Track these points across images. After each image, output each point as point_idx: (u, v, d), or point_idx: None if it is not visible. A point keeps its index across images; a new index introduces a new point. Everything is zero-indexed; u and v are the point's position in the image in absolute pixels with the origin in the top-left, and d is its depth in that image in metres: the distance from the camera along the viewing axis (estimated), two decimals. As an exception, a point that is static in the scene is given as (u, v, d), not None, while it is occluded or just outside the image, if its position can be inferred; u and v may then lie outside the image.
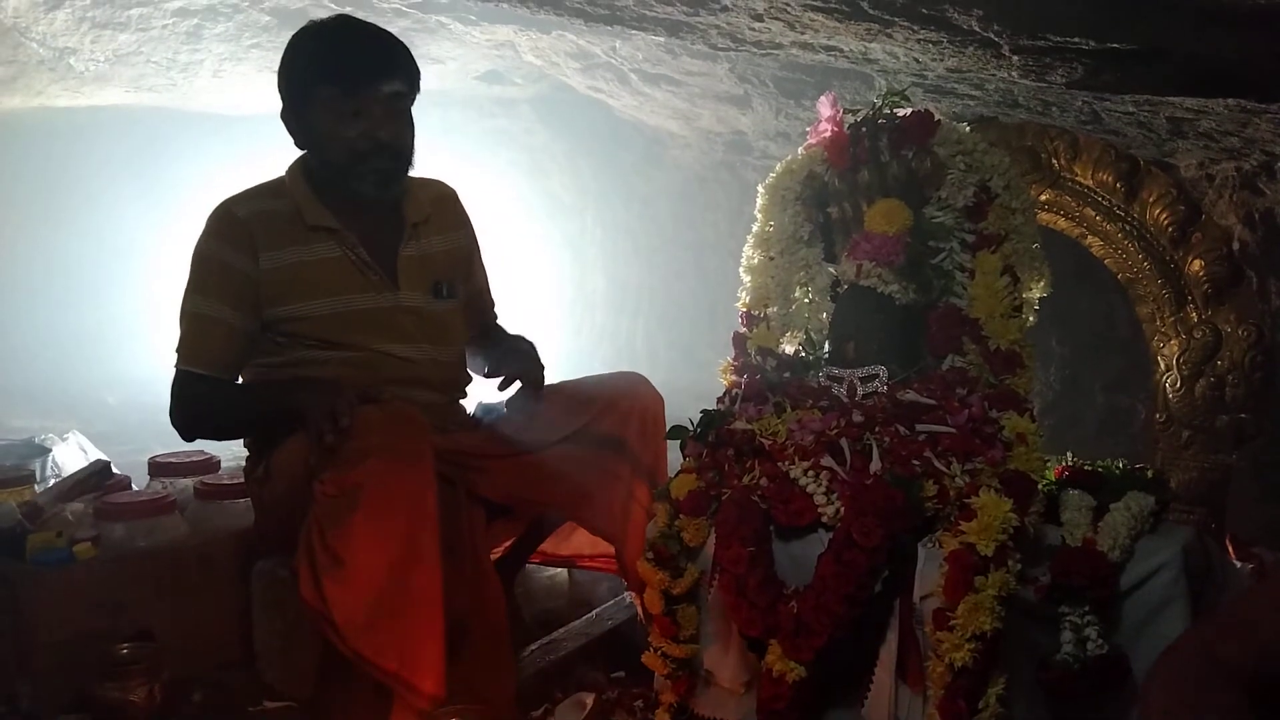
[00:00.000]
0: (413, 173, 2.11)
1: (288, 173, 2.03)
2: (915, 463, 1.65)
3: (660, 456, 2.11)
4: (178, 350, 1.97)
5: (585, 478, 2.03)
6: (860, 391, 1.82)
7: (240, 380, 2.02)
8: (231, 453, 2.33)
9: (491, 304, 2.31)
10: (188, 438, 2.05)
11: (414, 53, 2.03)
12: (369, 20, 2.04)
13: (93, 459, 3.11)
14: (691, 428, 1.88)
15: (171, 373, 1.98)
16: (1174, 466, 2.46)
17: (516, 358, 2.14)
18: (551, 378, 2.23)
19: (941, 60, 2.31)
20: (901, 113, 1.96)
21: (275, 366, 1.99)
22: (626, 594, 2.24)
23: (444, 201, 2.16)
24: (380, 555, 1.69)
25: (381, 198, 1.99)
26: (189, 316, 1.96)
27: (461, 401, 2.18)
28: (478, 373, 2.22)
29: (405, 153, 1.98)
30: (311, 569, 1.71)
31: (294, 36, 1.99)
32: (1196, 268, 2.43)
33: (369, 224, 2.01)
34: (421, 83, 2.01)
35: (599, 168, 5.61)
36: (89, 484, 2.25)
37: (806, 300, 2.03)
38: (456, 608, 1.76)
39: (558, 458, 2.04)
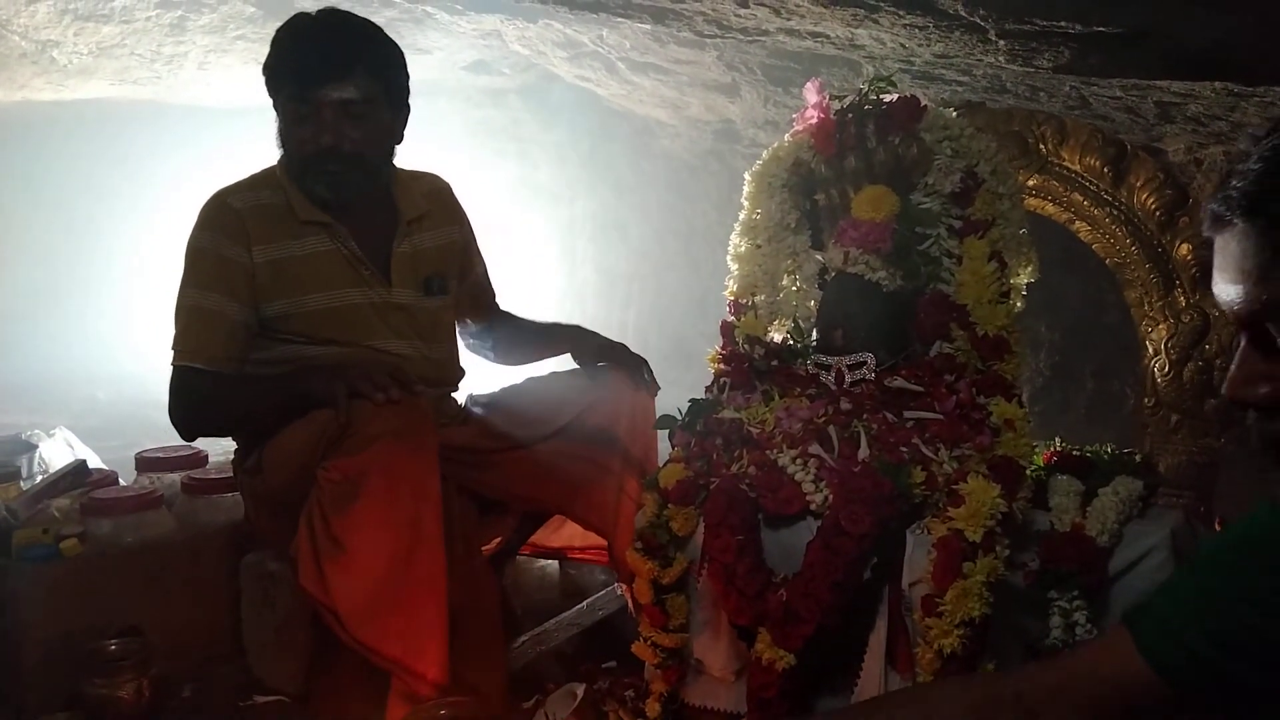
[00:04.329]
0: (404, 165, 2.09)
1: (278, 165, 2.00)
2: (903, 449, 1.65)
3: (650, 448, 2.11)
4: (175, 346, 1.93)
5: (576, 472, 2.04)
6: (848, 379, 1.82)
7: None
8: (221, 447, 2.32)
9: (493, 293, 2.31)
10: (188, 436, 2.02)
11: (400, 43, 1.99)
12: (354, 14, 1.98)
13: (79, 455, 3.10)
14: (680, 417, 1.87)
15: (169, 370, 1.93)
16: (1162, 451, 2.47)
17: (620, 354, 2.16)
18: (544, 369, 2.24)
19: (928, 46, 2.30)
20: (888, 99, 1.95)
21: (265, 362, 1.97)
22: (617, 585, 2.24)
23: (438, 196, 2.14)
24: (384, 542, 1.70)
25: (336, 200, 1.94)
26: (186, 310, 1.93)
27: (454, 395, 2.17)
28: (537, 358, 2.27)
29: (360, 157, 1.92)
30: (313, 556, 1.71)
31: (276, 30, 1.96)
32: (1184, 252, 2.43)
33: (362, 218, 1.99)
34: (402, 78, 1.96)
35: (587, 157, 5.59)
36: (62, 485, 2.23)
37: (794, 288, 2.02)
38: (450, 601, 1.76)
39: (549, 453, 2.04)
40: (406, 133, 2.03)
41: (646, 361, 2.16)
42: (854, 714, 1.36)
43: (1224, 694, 0.99)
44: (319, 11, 1.97)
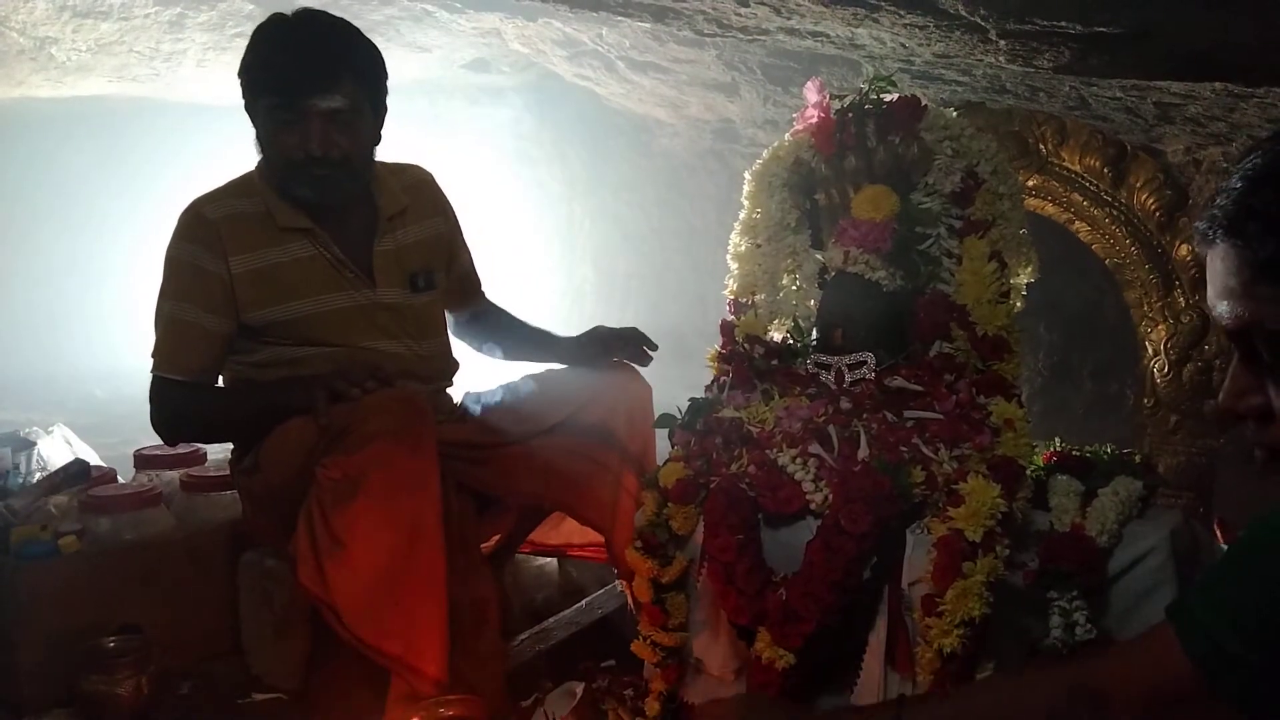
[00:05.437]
0: (386, 159, 2.08)
1: (256, 170, 1.99)
2: (903, 449, 1.65)
3: (648, 444, 2.11)
4: (153, 356, 1.95)
5: (573, 468, 2.04)
6: (848, 378, 1.82)
7: (220, 380, 2.00)
8: (219, 445, 2.32)
9: (479, 282, 2.30)
10: (170, 442, 2.07)
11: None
12: (333, 16, 1.96)
13: (78, 452, 3.09)
14: (680, 416, 1.87)
15: (149, 377, 1.95)
16: (1162, 451, 2.47)
17: (615, 341, 2.17)
18: (543, 367, 2.24)
19: (928, 45, 2.30)
20: (888, 98, 1.95)
21: (254, 365, 1.97)
22: (616, 583, 2.24)
23: (419, 188, 2.13)
24: (384, 539, 1.70)
25: (326, 203, 1.94)
26: (163, 321, 1.94)
27: (449, 390, 2.18)
28: (526, 359, 2.27)
29: (347, 162, 1.91)
30: (313, 553, 1.72)
31: (253, 32, 1.93)
32: (1184, 252, 2.43)
33: (342, 220, 1.98)
34: (383, 81, 1.96)
35: (587, 156, 5.59)
36: (61, 482, 2.22)
37: (794, 287, 2.02)
38: (448, 598, 1.76)
39: (546, 448, 2.04)
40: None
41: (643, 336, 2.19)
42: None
43: (1245, 691, 1.01)
44: (296, 14, 1.93)
